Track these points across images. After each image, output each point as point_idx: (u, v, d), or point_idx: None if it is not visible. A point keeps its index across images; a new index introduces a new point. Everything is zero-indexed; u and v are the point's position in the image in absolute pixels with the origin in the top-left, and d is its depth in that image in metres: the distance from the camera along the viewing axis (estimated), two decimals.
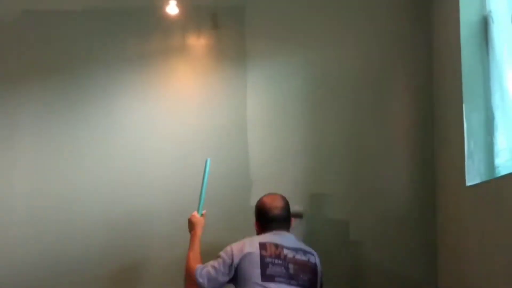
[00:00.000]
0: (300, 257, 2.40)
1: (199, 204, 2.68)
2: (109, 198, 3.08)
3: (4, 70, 3.19)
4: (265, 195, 2.60)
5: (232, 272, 2.36)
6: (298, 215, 2.89)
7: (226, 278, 2.37)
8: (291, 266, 2.35)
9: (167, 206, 3.06)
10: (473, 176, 2.44)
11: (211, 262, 2.40)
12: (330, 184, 3.04)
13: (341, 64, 3.12)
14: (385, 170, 3.05)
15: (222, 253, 2.41)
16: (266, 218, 2.51)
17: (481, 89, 2.47)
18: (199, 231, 2.59)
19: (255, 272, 2.30)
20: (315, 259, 2.45)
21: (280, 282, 2.30)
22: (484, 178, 2.39)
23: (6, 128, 3.15)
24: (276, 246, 2.39)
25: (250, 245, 2.38)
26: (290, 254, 2.38)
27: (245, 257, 2.34)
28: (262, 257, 2.33)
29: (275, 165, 3.07)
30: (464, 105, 2.48)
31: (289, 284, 2.32)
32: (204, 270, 2.38)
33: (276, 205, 2.52)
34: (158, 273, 3.01)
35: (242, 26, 3.16)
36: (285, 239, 2.44)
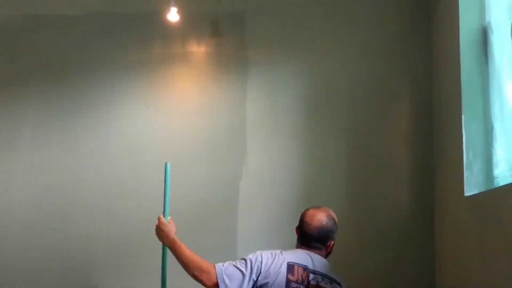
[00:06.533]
0: (324, 285, 2.26)
1: (165, 209, 2.44)
2: (109, 205, 3.08)
3: (6, 73, 3.20)
4: (313, 207, 2.44)
5: (253, 279, 2.24)
6: None
7: (250, 283, 2.23)
8: None
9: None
10: (471, 186, 2.43)
11: (232, 262, 2.26)
12: (328, 192, 3.04)
13: (341, 72, 3.13)
14: (384, 179, 3.05)
15: (250, 257, 2.27)
16: (302, 231, 2.39)
17: (480, 99, 2.47)
18: (175, 237, 2.36)
19: None
20: None
21: None
22: (482, 189, 2.39)
23: (7, 132, 3.15)
24: (304, 269, 2.27)
25: (278, 263, 2.26)
26: (313, 281, 2.25)
27: (269, 275, 2.23)
28: (287, 282, 2.22)
29: (273, 172, 3.07)
30: (463, 116, 2.49)
31: None
32: (228, 267, 2.22)
33: (314, 223, 2.37)
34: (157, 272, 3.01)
35: (242, 34, 3.17)
36: (316, 263, 2.30)
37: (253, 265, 2.24)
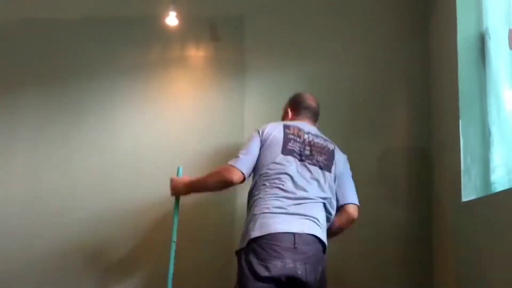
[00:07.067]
0: (318, 141, 2.47)
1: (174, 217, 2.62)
2: (106, 208, 3.08)
3: (3, 78, 3.20)
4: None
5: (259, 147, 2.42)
6: None
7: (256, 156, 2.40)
8: (307, 148, 2.42)
9: (162, 216, 3.06)
10: (469, 191, 2.44)
11: (239, 154, 2.42)
12: None
13: (338, 77, 3.13)
14: (381, 184, 3.05)
15: (252, 136, 2.46)
16: (302, 105, 2.61)
17: (478, 104, 2.48)
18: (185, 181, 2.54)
19: (278, 145, 2.38)
20: (333, 147, 2.52)
21: (295, 157, 2.37)
22: (480, 194, 2.39)
23: (3, 137, 3.15)
24: (299, 129, 2.47)
25: (274, 125, 2.48)
26: (309, 138, 2.45)
27: (269, 134, 2.43)
28: (285, 133, 2.42)
29: None
30: (460, 121, 2.49)
31: (302, 161, 2.38)
32: (239, 160, 2.38)
33: (312, 99, 2.64)
34: (147, 272, 3.02)
35: (241, 38, 3.18)
36: (308, 128, 2.51)
37: (255, 137, 2.44)
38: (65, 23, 3.22)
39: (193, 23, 3.20)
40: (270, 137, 2.40)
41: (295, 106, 2.62)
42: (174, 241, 2.53)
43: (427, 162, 3.02)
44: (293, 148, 2.39)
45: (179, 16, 3.11)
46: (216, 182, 2.40)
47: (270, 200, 2.24)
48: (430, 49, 3.07)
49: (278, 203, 2.22)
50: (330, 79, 3.14)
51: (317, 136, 2.50)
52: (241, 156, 2.38)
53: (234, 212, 3.04)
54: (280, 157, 2.35)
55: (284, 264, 2.10)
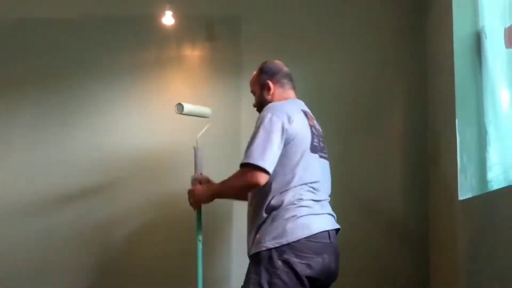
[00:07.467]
0: (318, 126, 2.33)
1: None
2: (103, 208, 3.08)
3: (1, 77, 3.18)
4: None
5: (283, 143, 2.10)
6: None
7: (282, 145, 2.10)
8: (321, 138, 2.28)
9: (159, 216, 3.06)
10: (465, 190, 2.44)
11: (264, 146, 2.06)
12: None
13: (335, 77, 3.14)
14: (378, 183, 3.05)
15: (277, 128, 2.07)
16: (282, 73, 2.31)
17: (474, 103, 2.48)
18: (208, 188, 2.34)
19: (306, 145, 2.14)
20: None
21: (318, 154, 2.22)
22: (476, 193, 2.39)
23: (0, 136, 3.14)
24: (311, 116, 2.29)
25: (298, 115, 2.16)
26: (316, 125, 2.30)
27: (297, 130, 2.12)
28: (310, 127, 2.19)
29: None
30: (457, 120, 2.50)
31: (322, 157, 2.24)
32: (266, 158, 2.04)
33: (283, 64, 2.39)
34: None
35: (237, 38, 3.18)
36: (306, 107, 2.31)
37: (279, 135, 2.08)
38: (61, 23, 3.21)
39: (190, 22, 3.19)
40: (299, 135, 2.11)
41: (275, 75, 2.29)
42: (199, 240, 2.48)
43: (424, 161, 3.03)
44: (316, 145, 2.19)
45: (175, 15, 3.11)
46: (243, 187, 2.15)
47: (304, 202, 2.12)
48: (426, 48, 3.07)
49: (311, 204, 2.14)
50: (326, 79, 3.14)
51: (314, 118, 2.33)
52: (267, 153, 2.04)
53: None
54: (310, 158, 2.13)
55: (323, 260, 2.11)
